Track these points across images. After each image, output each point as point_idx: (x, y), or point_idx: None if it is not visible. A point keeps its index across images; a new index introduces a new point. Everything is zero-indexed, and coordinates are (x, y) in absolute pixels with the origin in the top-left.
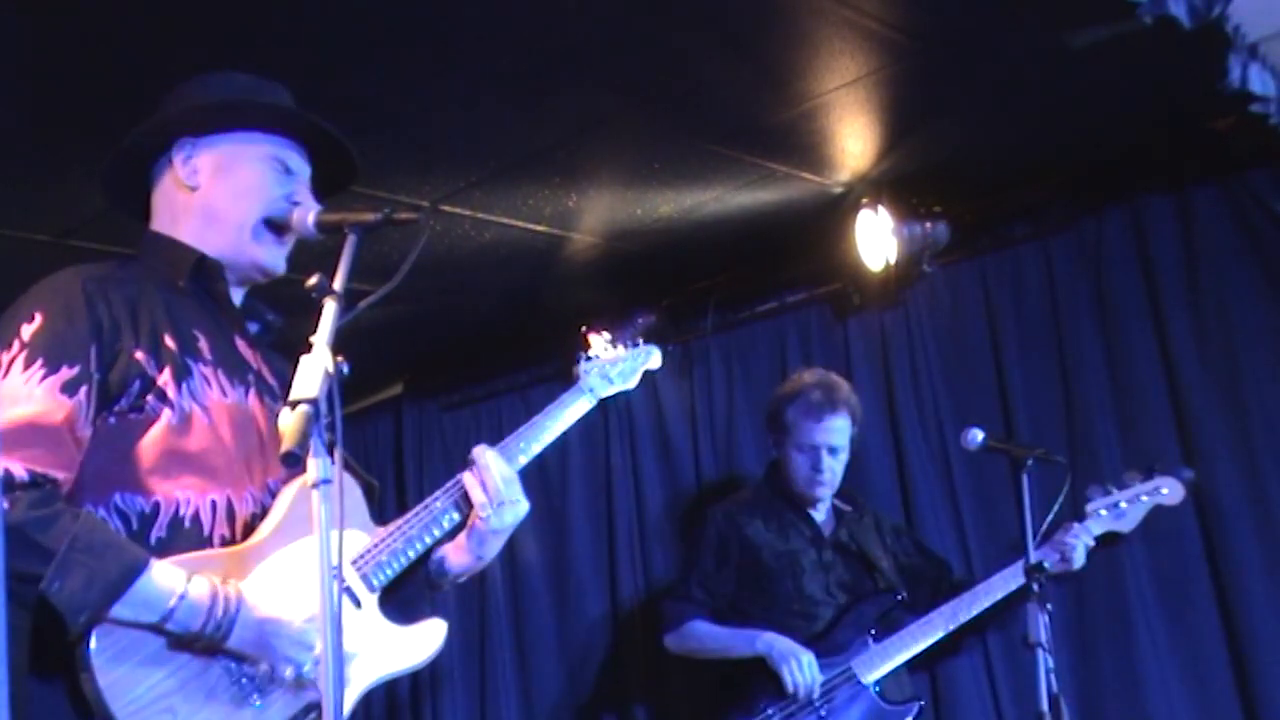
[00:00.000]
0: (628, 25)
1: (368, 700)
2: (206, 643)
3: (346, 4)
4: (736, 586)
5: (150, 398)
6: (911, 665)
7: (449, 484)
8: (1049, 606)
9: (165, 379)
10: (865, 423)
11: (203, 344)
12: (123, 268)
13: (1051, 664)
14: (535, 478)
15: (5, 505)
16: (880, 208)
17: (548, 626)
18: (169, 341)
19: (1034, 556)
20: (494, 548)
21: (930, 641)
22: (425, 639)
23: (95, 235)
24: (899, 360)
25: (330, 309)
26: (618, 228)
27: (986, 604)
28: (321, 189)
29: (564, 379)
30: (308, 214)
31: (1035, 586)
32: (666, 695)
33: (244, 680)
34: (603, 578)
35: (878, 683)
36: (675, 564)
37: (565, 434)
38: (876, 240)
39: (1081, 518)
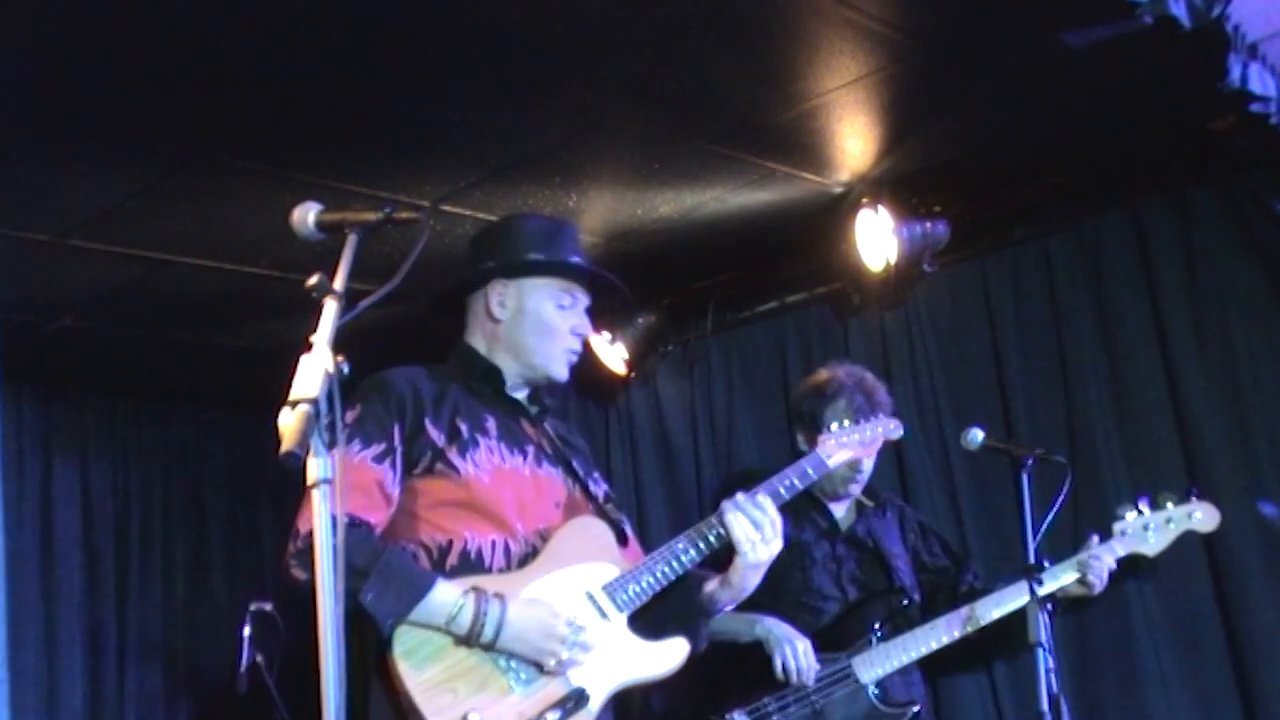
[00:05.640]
0: (628, 25)
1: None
2: (479, 641)
3: (347, 4)
4: None
5: (439, 464)
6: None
7: (690, 530)
8: (1049, 606)
9: (453, 450)
10: None
11: (490, 424)
12: (434, 368)
13: (1052, 664)
14: None
15: (338, 540)
16: (880, 208)
17: None
18: (460, 423)
19: (1037, 561)
20: (753, 581)
21: (933, 648)
22: (668, 654)
23: (95, 235)
24: (899, 360)
25: (330, 309)
26: (618, 228)
27: (996, 615)
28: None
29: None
30: (308, 213)
31: (1035, 586)
32: (666, 690)
33: (511, 670)
34: None
35: (877, 682)
36: None
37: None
38: (876, 240)
39: (1107, 537)
